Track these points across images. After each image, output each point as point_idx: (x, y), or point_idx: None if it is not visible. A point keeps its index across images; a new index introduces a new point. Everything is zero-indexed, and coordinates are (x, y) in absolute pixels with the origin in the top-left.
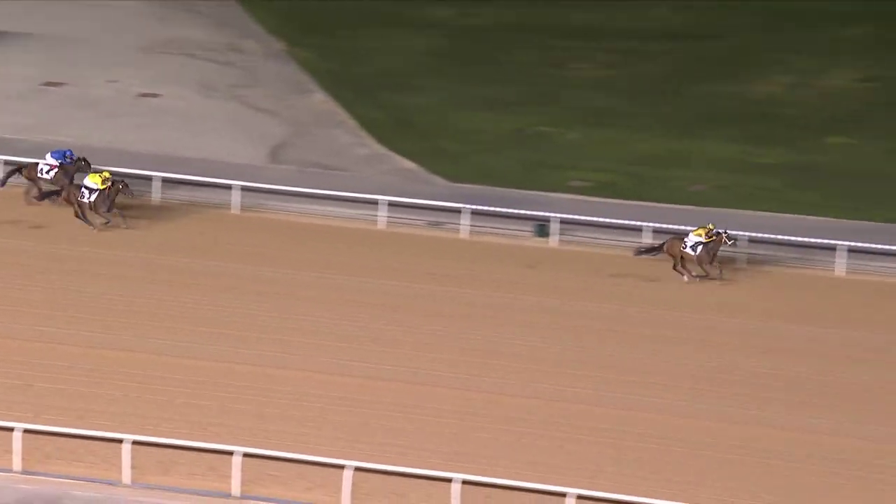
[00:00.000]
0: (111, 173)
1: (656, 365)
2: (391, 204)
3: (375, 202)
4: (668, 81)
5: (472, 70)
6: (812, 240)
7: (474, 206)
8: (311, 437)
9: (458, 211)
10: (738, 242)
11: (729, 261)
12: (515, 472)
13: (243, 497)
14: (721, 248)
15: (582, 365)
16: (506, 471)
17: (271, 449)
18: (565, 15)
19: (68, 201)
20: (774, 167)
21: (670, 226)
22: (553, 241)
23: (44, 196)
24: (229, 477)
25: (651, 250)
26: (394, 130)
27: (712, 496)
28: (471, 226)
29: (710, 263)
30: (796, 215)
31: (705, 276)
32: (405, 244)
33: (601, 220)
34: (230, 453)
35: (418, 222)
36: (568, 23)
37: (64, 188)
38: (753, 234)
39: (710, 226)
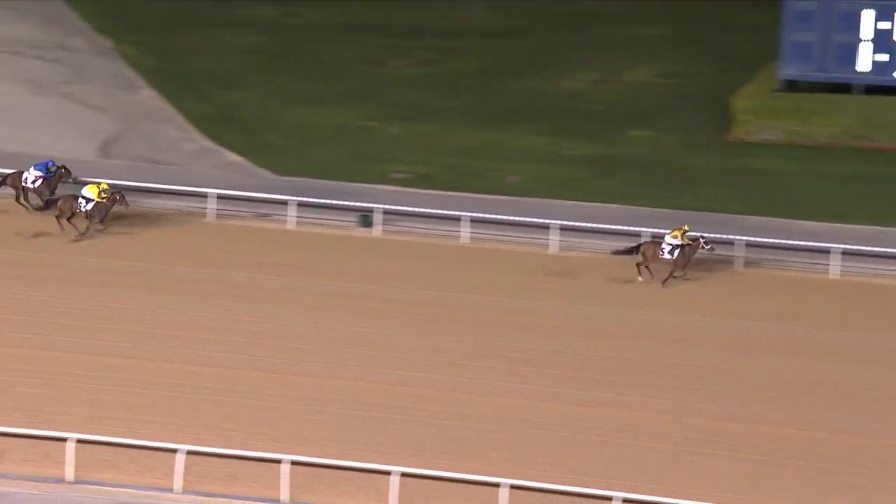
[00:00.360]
0: (108, 185)
1: (477, 347)
2: (220, 196)
3: (205, 195)
4: (482, 78)
5: (296, 67)
6: (617, 227)
7: (300, 198)
8: (143, 422)
9: (284, 203)
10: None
11: (543, 248)
12: (342, 451)
13: (77, 482)
14: (696, 253)
15: (405, 349)
16: (333, 451)
17: (104, 434)
18: (384, 15)
19: (62, 210)
20: (582, 159)
21: (488, 215)
22: (377, 230)
23: (46, 206)
24: (63, 463)
25: (628, 251)
26: (221, 126)
27: (529, 471)
28: (297, 217)
29: (684, 267)
30: (603, 204)
31: (679, 277)
32: (233, 235)
33: (422, 210)
34: (64, 440)
35: (246, 214)
36: (386, 22)
37: (60, 198)
38: (565, 223)
39: (686, 227)
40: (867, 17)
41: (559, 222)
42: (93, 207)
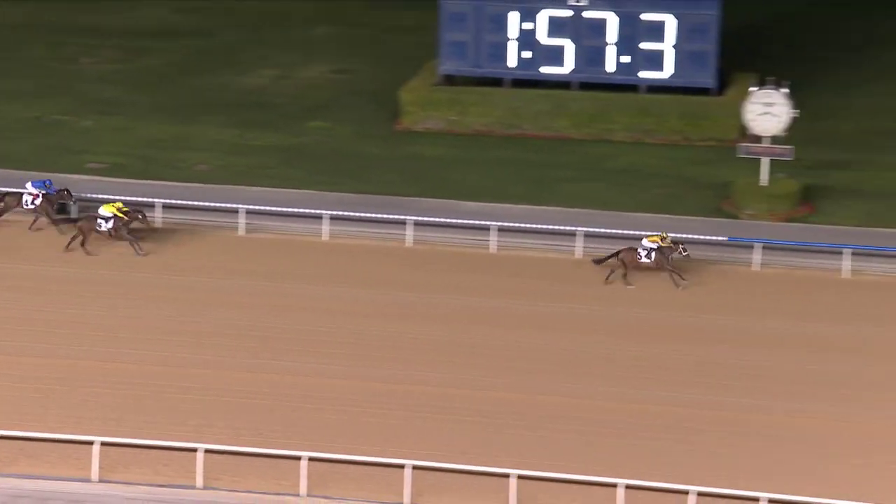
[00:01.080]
0: (123, 202)
1: (164, 324)
2: None
3: None
4: (169, 74)
5: None
6: (301, 210)
7: None
8: None
9: None
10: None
11: (233, 230)
12: (49, 425)
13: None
14: (673, 255)
15: (98, 328)
16: (41, 425)
17: None
18: (73, 14)
19: (81, 230)
20: (266, 148)
21: (179, 201)
22: (74, 216)
23: (58, 222)
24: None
25: (607, 258)
26: None
27: (221, 434)
28: None
29: (666, 267)
30: (287, 189)
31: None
32: None
33: (117, 197)
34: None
35: None
36: (76, 21)
37: (80, 218)
38: (251, 207)
39: (664, 233)
40: (513, 19)
41: (246, 206)
42: (114, 224)
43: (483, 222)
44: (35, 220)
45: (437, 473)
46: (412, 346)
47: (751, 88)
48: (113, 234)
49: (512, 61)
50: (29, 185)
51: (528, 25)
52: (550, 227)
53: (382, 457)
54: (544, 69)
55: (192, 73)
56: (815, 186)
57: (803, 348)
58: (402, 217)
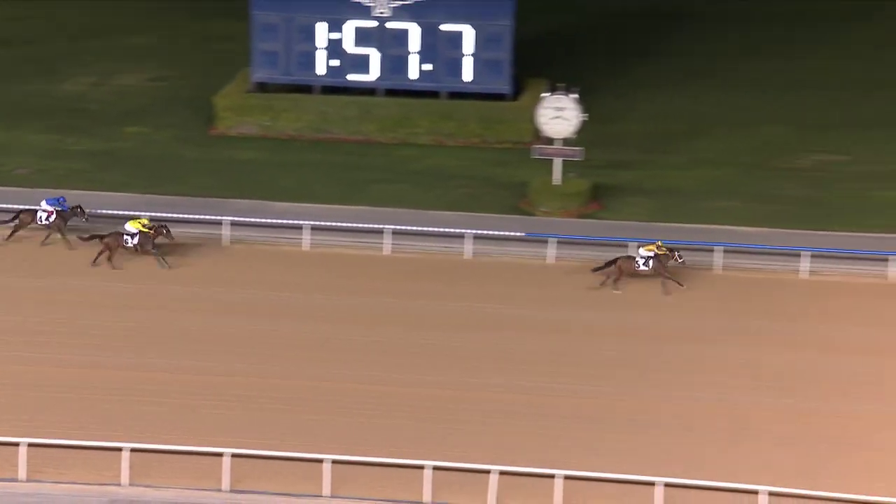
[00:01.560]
0: (149, 219)
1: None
2: None
3: None
4: None
5: None
6: (120, 211)
7: None
8: None
9: None
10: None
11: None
12: None
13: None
14: (669, 263)
15: None
16: None
17: None
18: None
19: (108, 246)
20: (83, 153)
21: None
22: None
23: (89, 238)
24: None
25: (606, 266)
26: None
27: (44, 428)
28: None
29: (664, 274)
30: (106, 192)
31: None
32: None
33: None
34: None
35: None
36: None
37: (107, 235)
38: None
39: (659, 242)
40: (321, 29)
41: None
42: (139, 239)
43: (296, 221)
44: (47, 236)
45: (254, 460)
46: (236, 339)
47: (543, 94)
48: (139, 250)
49: (321, 69)
50: (43, 202)
51: (335, 35)
52: (360, 225)
53: (202, 446)
54: (351, 77)
55: (10, 81)
56: (604, 185)
57: (584, 334)
58: (219, 217)
